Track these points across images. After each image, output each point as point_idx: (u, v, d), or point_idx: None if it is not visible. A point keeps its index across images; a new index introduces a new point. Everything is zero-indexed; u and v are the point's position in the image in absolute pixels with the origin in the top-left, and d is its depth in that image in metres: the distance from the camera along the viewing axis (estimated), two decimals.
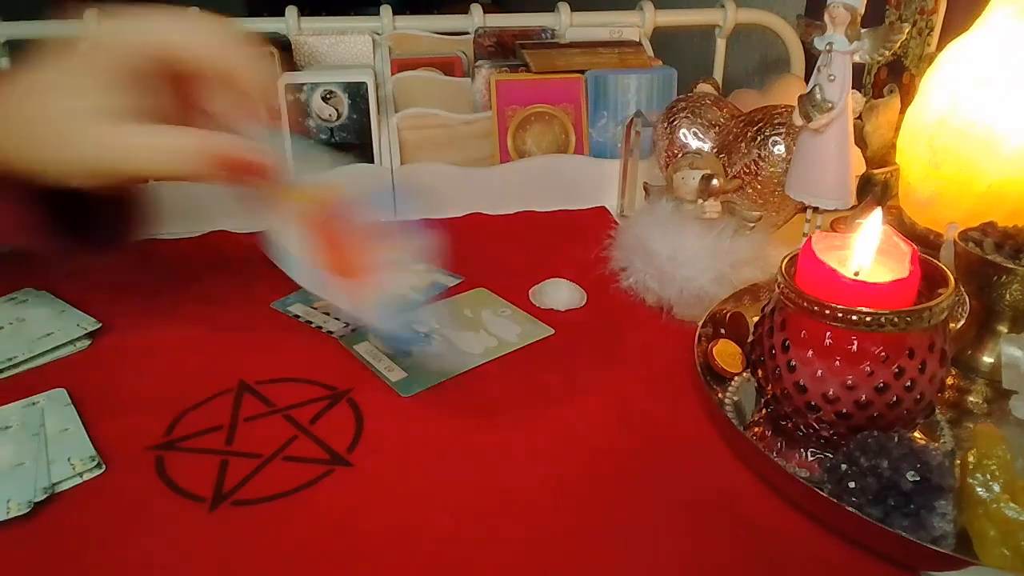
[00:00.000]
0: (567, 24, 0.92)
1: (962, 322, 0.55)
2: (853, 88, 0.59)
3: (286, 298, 0.64)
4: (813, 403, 0.42)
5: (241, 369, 0.54)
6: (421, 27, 0.94)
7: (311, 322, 0.60)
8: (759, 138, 0.68)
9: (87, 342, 0.56)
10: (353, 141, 0.80)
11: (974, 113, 0.59)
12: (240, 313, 0.61)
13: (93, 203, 0.44)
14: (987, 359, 0.52)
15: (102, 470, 0.44)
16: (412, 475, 0.44)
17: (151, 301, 0.63)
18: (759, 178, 0.68)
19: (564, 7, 0.92)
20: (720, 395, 0.50)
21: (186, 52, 0.40)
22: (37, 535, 0.40)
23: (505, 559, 0.39)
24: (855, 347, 0.40)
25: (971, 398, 0.51)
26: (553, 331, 0.59)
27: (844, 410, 0.41)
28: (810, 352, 0.42)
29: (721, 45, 1.01)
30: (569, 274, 0.66)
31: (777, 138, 0.67)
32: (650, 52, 0.92)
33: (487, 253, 0.72)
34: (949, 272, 0.42)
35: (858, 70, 0.75)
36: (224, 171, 0.38)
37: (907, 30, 0.63)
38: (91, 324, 0.57)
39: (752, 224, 0.61)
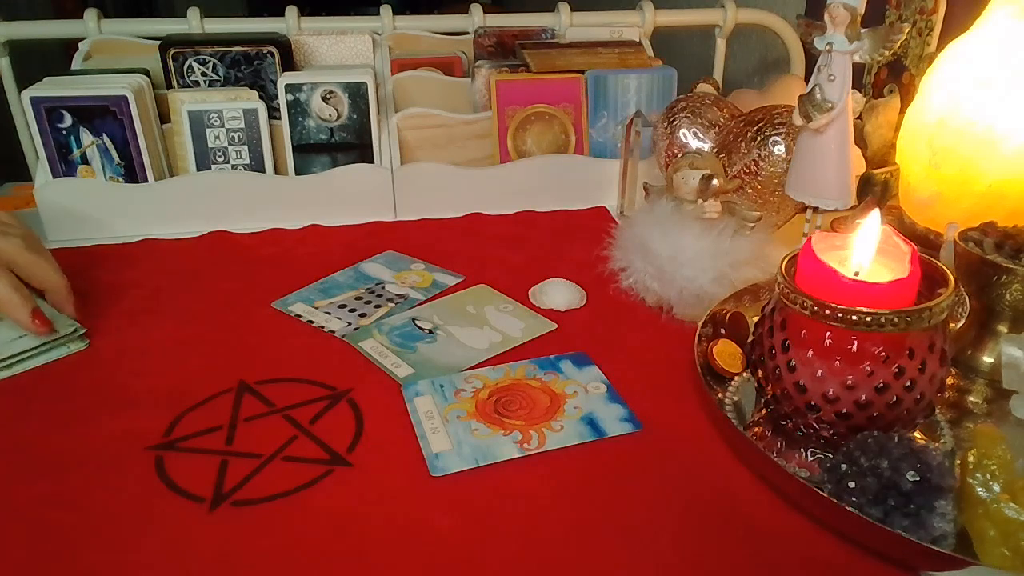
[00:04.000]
0: (567, 24, 0.92)
1: (962, 322, 0.55)
2: (853, 88, 0.59)
3: (286, 298, 0.64)
4: (813, 403, 0.42)
5: (241, 369, 0.54)
6: (421, 27, 0.94)
7: (312, 321, 0.60)
8: (759, 138, 0.68)
9: (82, 344, 0.57)
10: (353, 141, 0.80)
11: (974, 113, 0.59)
12: (240, 313, 0.61)
13: None
14: (987, 359, 0.52)
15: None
16: (412, 475, 0.44)
17: (151, 301, 0.63)
18: (759, 178, 0.68)
19: (564, 7, 0.92)
20: (720, 395, 0.50)
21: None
22: (37, 534, 0.40)
23: (505, 559, 0.39)
24: (855, 347, 0.40)
25: (971, 398, 0.51)
26: (556, 325, 0.59)
27: (844, 410, 0.41)
28: (810, 352, 0.42)
29: (721, 45, 1.01)
30: (569, 274, 0.66)
31: (777, 138, 0.67)
32: (650, 52, 0.92)
33: (487, 253, 0.72)
34: (949, 272, 0.42)
35: (858, 70, 0.75)
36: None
37: (907, 30, 0.63)
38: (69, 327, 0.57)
39: (752, 224, 0.61)
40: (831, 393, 0.41)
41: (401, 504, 0.42)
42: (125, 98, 0.73)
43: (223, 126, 0.77)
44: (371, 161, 0.81)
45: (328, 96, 0.79)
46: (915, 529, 0.36)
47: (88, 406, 0.50)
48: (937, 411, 0.48)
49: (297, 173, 0.80)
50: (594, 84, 0.83)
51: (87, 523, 0.41)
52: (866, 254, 0.43)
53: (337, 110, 0.79)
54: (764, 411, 0.48)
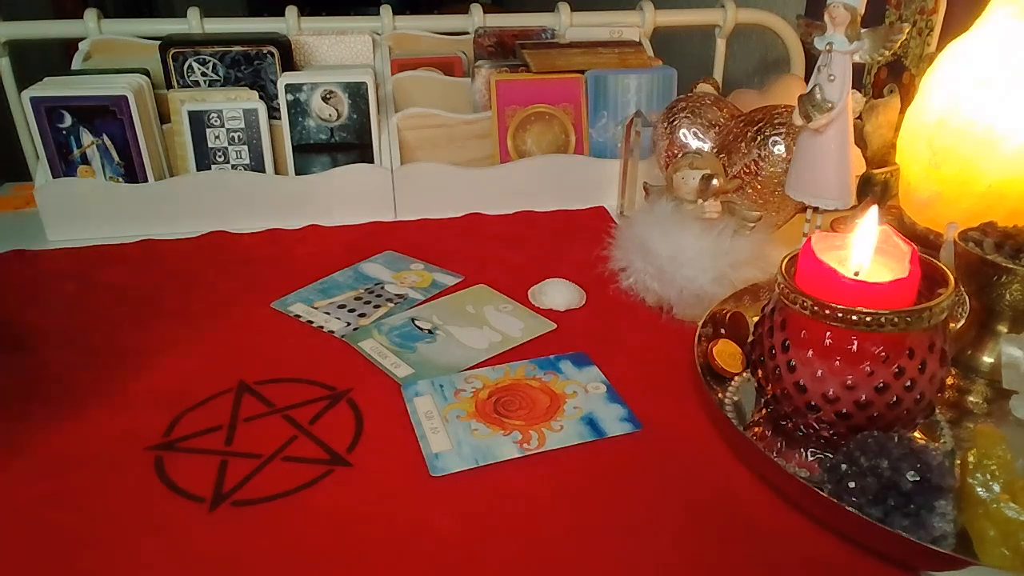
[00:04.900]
0: (567, 24, 0.92)
1: (962, 322, 0.55)
2: (853, 88, 0.59)
3: (286, 298, 0.64)
4: (813, 403, 0.42)
5: (241, 369, 0.54)
6: (421, 27, 0.94)
7: (311, 322, 0.60)
8: (759, 138, 0.68)
9: None
10: (353, 141, 0.80)
11: (974, 113, 0.59)
12: (240, 313, 0.61)
13: None
14: (987, 359, 0.52)
15: None
16: (412, 475, 0.44)
17: (151, 301, 0.63)
18: (759, 178, 0.68)
19: (564, 7, 0.92)
20: (720, 395, 0.50)
21: None
22: (37, 535, 0.40)
23: (505, 559, 0.39)
24: (855, 347, 0.40)
25: (971, 398, 0.51)
26: (556, 325, 0.59)
27: (844, 410, 0.41)
28: (810, 352, 0.42)
29: (721, 45, 1.01)
30: (569, 274, 0.66)
31: (777, 138, 0.67)
32: (650, 52, 0.92)
33: (487, 253, 0.72)
34: (949, 272, 0.42)
35: (858, 70, 0.75)
36: None
37: (907, 30, 0.63)
38: None
39: (752, 224, 0.61)
40: (831, 393, 0.41)
41: (401, 504, 0.42)
42: (125, 98, 0.73)
43: (223, 126, 0.77)
44: (371, 161, 0.81)
45: (328, 96, 0.79)
46: (915, 529, 0.36)
47: (88, 406, 0.50)
48: (937, 411, 0.48)
49: (297, 173, 0.80)
50: (594, 84, 0.83)
51: (87, 523, 0.41)
52: (866, 254, 0.43)
53: (337, 110, 0.79)
54: (764, 411, 0.48)
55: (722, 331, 0.54)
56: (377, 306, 0.62)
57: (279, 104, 0.78)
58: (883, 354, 0.40)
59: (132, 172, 0.76)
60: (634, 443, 0.47)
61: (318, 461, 0.45)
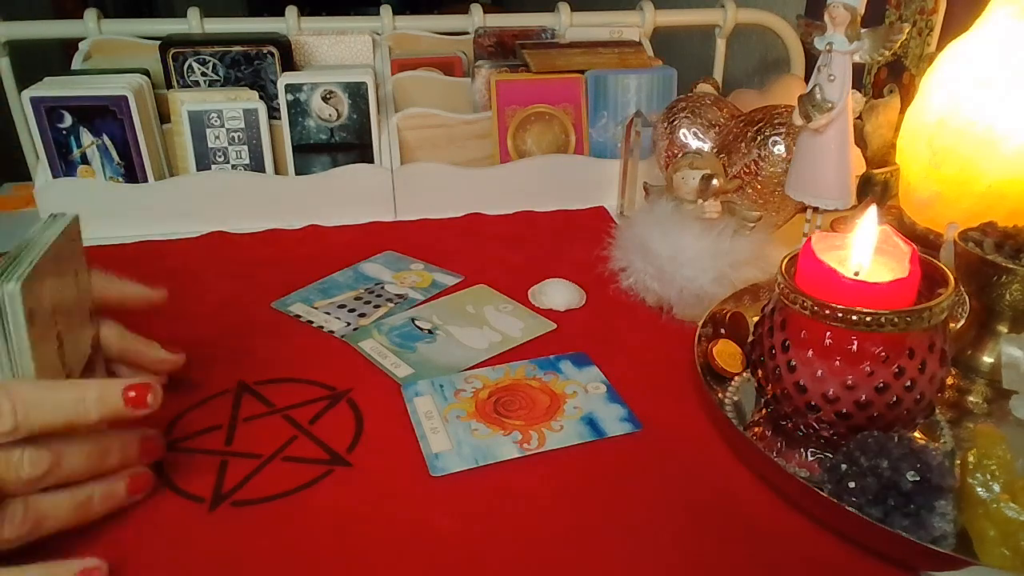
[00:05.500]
0: (567, 24, 0.92)
1: (962, 322, 0.55)
2: (853, 88, 0.59)
3: (286, 298, 0.64)
4: (813, 403, 0.42)
5: (240, 369, 0.54)
6: (421, 27, 0.94)
7: (311, 322, 0.60)
8: (759, 138, 0.68)
9: None
10: (353, 141, 0.80)
11: (974, 113, 0.59)
12: (240, 313, 0.61)
13: None
14: (987, 359, 0.52)
15: None
16: (412, 475, 0.44)
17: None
18: (759, 178, 0.68)
19: (564, 7, 0.92)
20: (720, 395, 0.50)
21: None
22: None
23: (505, 559, 0.39)
24: (855, 347, 0.40)
25: (971, 398, 0.51)
26: (556, 325, 0.59)
27: (844, 410, 0.41)
28: (810, 352, 0.42)
29: (721, 45, 1.01)
30: (569, 274, 0.66)
31: (777, 138, 0.67)
32: (650, 52, 0.92)
33: (487, 253, 0.72)
34: (949, 272, 0.42)
35: (858, 70, 0.75)
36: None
37: (907, 30, 0.63)
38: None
39: (752, 224, 0.61)
40: (831, 393, 0.41)
41: (401, 504, 0.42)
42: (125, 98, 0.73)
43: (223, 126, 0.77)
44: (371, 161, 0.81)
45: (328, 96, 0.79)
46: (915, 529, 0.36)
47: None
48: (937, 411, 0.48)
49: (297, 173, 0.80)
50: (594, 84, 0.83)
51: (87, 523, 0.41)
52: (866, 254, 0.43)
53: (337, 110, 0.79)
54: (764, 411, 0.48)
55: (722, 331, 0.54)
56: (377, 306, 0.62)
57: (279, 104, 0.78)
58: (883, 354, 0.40)
59: (132, 172, 0.76)
60: (634, 443, 0.47)
61: (318, 461, 0.45)
